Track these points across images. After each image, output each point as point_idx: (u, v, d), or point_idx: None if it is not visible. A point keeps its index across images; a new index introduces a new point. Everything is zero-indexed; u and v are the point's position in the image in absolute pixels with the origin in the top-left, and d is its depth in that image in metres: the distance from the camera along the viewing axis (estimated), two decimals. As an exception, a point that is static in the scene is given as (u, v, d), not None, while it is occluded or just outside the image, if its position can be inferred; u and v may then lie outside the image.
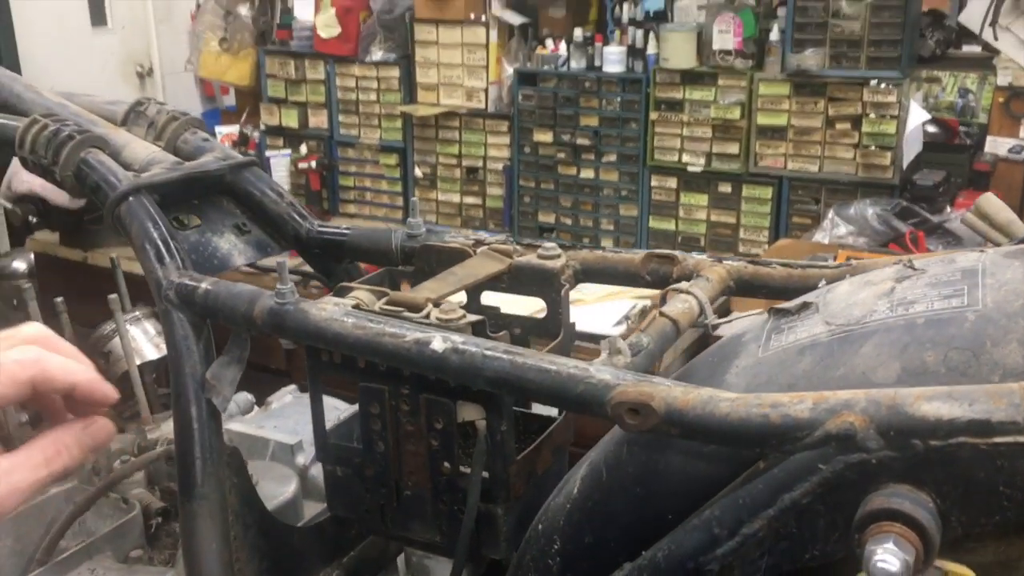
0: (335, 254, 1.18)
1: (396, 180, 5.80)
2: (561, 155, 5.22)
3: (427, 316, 0.88)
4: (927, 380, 0.67)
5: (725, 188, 4.93)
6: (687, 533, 0.71)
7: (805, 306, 0.79)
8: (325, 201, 5.87)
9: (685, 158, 4.91)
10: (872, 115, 4.46)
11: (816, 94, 4.55)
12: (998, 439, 0.59)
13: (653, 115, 4.91)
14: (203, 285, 0.96)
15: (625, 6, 4.96)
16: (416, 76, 5.50)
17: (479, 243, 1.09)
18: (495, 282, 1.05)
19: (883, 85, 4.38)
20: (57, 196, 3.52)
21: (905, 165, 4.48)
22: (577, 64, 5.05)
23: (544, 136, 5.22)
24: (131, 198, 1.03)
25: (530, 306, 1.07)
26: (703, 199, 4.99)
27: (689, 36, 4.61)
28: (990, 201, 0.87)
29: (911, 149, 4.54)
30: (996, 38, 4.17)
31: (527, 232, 5.39)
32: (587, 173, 5.21)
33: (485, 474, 0.93)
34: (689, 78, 4.76)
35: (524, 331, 1.07)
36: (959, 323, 0.68)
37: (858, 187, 4.57)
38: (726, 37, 4.48)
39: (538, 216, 5.43)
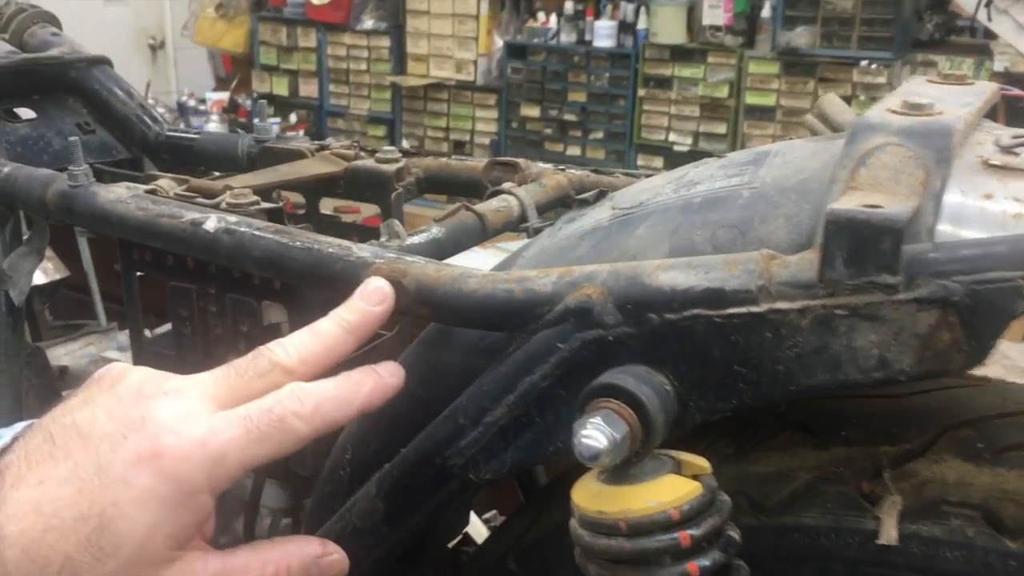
0: (184, 160, 1.12)
1: (384, 151, 5.73)
2: (548, 131, 5.15)
3: (219, 202, 0.82)
4: (693, 260, 0.60)
5: (713, 169, 4.83)
6: (437, 426, 0.65)
7: (602, 194, 0.73)
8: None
9: (672, 137, 4.83)
10: (862, 96, 4.37)
11: (806, 74, 4.46)
12: (731, 310, 0.53)
13: (641, 92, 4.83)
14: (4, 170, 0.91)
15: (619, -19, 4.89)
16: (407, 46, 5.44)
17: (323, 148, 1.03)
18: (332, 187, 0.99)
19: (874, 66, 4.29)
20: None
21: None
22: (567, 38, 4.98)
23: (532, 111, 5.15)
24: (-54, 80, 0.97)
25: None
26: (690, 180, 4.89)
27: (679, 10, 4.53)
28: (831, 101, 0.80)
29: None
30: (990, 19, 4.05)
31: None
32: (574, 150, 5.14)
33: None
34: (678, 55, 4.68)
35: (361, 240, 1.01)
36: (732, 201, 0.62)
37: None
38: (716, 12, 4.40)
39: (524, 192, 5.35)
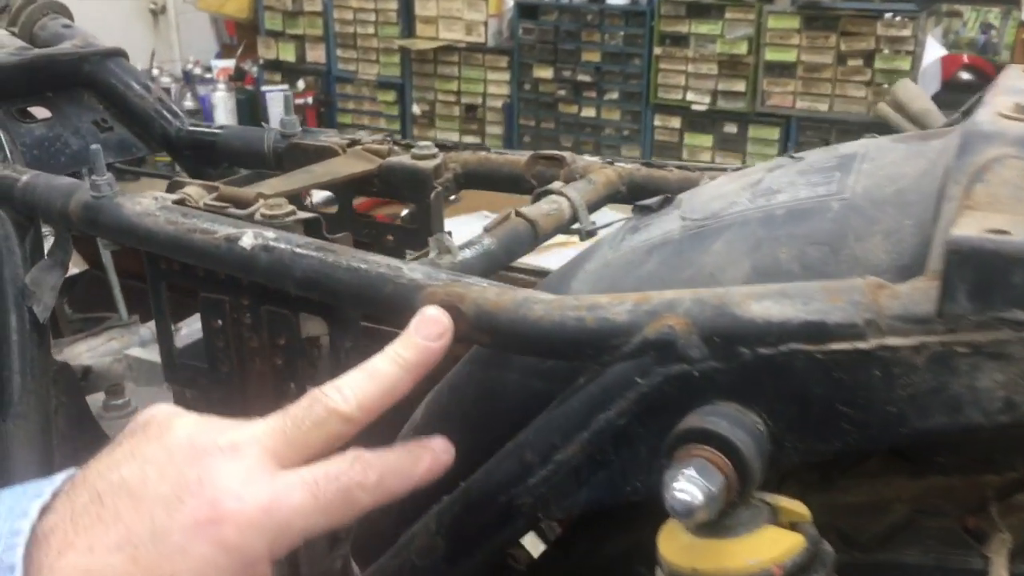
0: (208, 156, 1.07)
1: (395, 118, 5.65)
2: (562, 92, 5.05)
3: (252, 213, 0.77)
4: (780, 280, 0.55)
5: (731, 128, 4.74)
6: (499, 462, 0.61)
7: (667, 201, 0.67)
8: (323, 138, 5.74)
9: (690, 96, 4.73)
10: (886, 51, 4.26)
11: (827, 28, 4.34)
12: (834, 345, 0.48)
13: (657, 50, 4.72)
14: (23, 178, 0.86)
15: (631, -65, 4.76)
16: (415, 8, 5.33)
17: (354, 143, 0.97)
18: (367, 186, 0.94)
19: (898, 18, 4.17)
20: None
21: (918, 104, 4.27)
22: (580, -5, 4.87)
23: (544, 72, 5.05)
24: (-45, 83, 0.92)
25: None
26: (708, 140, 4.80)
27: (695, -34, 4.41)
28: (906, 88, 0.75)
29: (927, 87, 4.34)
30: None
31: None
32: (588, 111, 5.04)
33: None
34: (695, 10, 4.57)
35: (397, 240, 0.96)
36: (821, 214, 0.57)
37: (870, 127, 4.36)
38: (733, -33, 4.28)
39: (539, 155, 5.27)
